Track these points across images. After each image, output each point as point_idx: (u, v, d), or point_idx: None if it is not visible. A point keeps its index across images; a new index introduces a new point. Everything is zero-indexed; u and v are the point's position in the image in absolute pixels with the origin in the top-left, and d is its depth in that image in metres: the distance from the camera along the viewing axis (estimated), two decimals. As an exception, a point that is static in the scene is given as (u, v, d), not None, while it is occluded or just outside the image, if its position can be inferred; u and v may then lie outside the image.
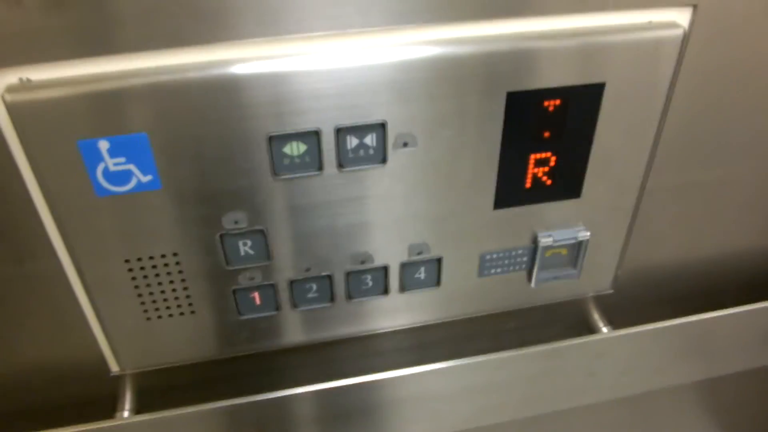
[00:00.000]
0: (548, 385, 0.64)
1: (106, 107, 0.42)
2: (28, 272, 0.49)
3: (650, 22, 0.48)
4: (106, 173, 0.45)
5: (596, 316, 0.67)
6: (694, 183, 0.59)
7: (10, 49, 0.40)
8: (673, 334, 0.64)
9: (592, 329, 0.67)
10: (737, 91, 0.53)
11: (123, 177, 0.45)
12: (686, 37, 0.49)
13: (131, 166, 0.45)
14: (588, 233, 0.57)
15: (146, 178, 0.46)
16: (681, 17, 0.48)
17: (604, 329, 0.66)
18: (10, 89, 0.41)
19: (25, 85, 0.41)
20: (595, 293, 0.64)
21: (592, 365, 0.64)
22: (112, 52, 0.41)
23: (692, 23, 0.48)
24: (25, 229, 0.47)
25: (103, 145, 0.43)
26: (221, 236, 0.50)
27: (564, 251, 0.58)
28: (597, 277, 0.62)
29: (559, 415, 0.71)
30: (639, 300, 0.67)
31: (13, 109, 0.41)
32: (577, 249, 0.58)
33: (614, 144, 0.53)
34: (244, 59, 0.43)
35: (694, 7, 0.48)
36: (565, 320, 0.67)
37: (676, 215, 0.61)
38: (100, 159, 0.44)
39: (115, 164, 0.44)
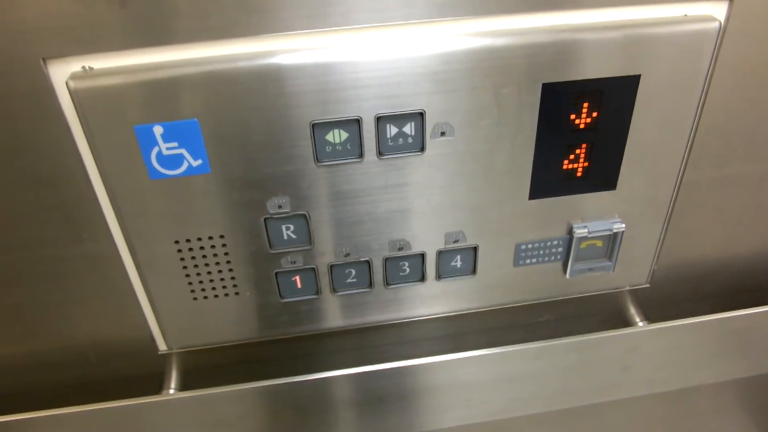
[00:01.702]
0: (582, 377, 0.65)
1: (161, 94, 0.45)
2: (85, 252, 0.52)
3: (686, 16, 0.49)
4: (160, 157, 0.47)
5: (632, 311, 0.67)
6: (732, 177, 0.59)
7: (75, 40, 0.43)
8: (710, 330, 0.64)
9: (627, 324, 0.67)
10: (775, 85, 0.53)
11: (175, 161, 0.48)
12: (722, 31, 0.49)
13: (183, 151, 0.47)
14: (623, 225, 0.57)
15: (196, 163, 0.48)
16: (717, 10, 0.49)
17: (640, 324, 0.66)
18: (74, 77, 0.44)
19: (88, 73, 0.44)
20: (631, 287, 0.65)
21: (626, 359, 0.64)
22: (168, 42, 0.44)
23: (728, 17, 0.49)
24: (84, 210, 0.50)
25: (158, 130, 0.46)
26: (265, 220, 0.52)
27: (599, 243, 0.59)
28: (633, 270, 0.63)
29: (594, 409, 0.71)
30: (676, 295, 0.67)
31: (75, 95, 0.44)
32: (613, 241, 0.59)
33: (650, 136, 0.53)
34: (291, 50, 0.45)
35: (731, 0, 0.48)
36: (601, 314, 0.67)
37: (715, 209, 0.61)
38: (155, 143, 0.47)
39: (168, 148, 0.47)
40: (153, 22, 0.43)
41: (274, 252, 0.54)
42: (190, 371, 0.62)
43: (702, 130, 0.54)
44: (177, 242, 0.52)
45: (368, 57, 0.46)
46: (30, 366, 0.60)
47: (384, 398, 0.62)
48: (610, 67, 0.49)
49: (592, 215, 0.57)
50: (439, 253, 0.57)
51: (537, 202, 0.55)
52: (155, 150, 0.47)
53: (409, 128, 0.49)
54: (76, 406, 0.57)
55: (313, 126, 0.48)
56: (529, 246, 0.58)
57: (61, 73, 0.44)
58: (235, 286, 0.56)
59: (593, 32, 0.48)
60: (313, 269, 0.56)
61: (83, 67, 0.44)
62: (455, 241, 0.56)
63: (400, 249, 0.56)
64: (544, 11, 0.47)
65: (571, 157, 0.53)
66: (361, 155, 0.50)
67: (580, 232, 0.57)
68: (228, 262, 0.54)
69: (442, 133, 0.50)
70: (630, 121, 0.52)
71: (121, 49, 0.44)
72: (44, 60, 0.43)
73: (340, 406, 0.62)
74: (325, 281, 0.57)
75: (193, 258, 0.53)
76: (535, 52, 0.48)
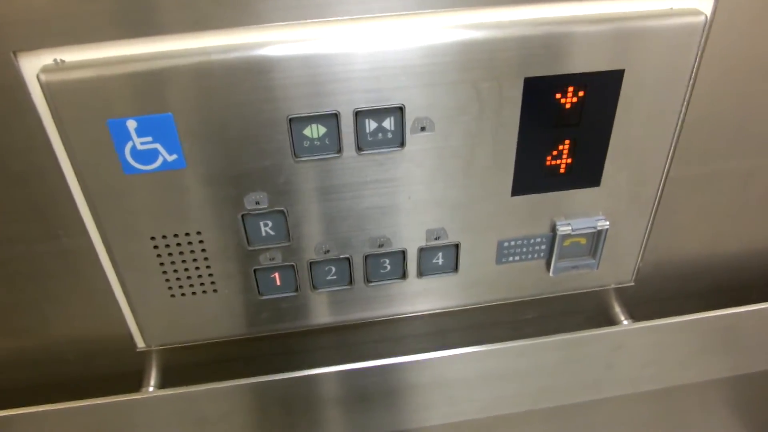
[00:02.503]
0: (566, 375, 0.64)
1: (135, 88, 0.44)
2: (60, 248, 0.52)
3: (672, 9, 0.48)
4: (134, 152, 0.46)
5: (617, 309, 0.66)
6: (718, 173, 0.58)
7: (46, 32, 0.42)
8: (695, 329, 0.63)
9: (612, 322, 0.67)
10: (762, 80, 0.52)
11: (149, 156, 0.47)
12: (708, 24, 0.48)
13: (157, 145, 0.46)
14: (607, 223, 0.57)
15: (171, 158, 0.47)
16: (703, 4, 0.48)
17: (625, 322, 0.65)
18: (45, 70, 0.43)
19: (59, 66, 0.43)
20: (615, 285, 0.64)
21: (611, 357, 0.64)
22: (142, 35, 0.43)
23: (714, 10, 0.48)
24: (58, 206, 0.49)
25: (131, 124, 0.45)
26: (243, 216, 0.51)
27: (583, 240, 0.58)
28: (618, 268, 0.62)
29: (580, 408, 0.71)
30: (661, 294, 0.66)
31: (47, 89, 0.43)
32: (597, 238, 0.58)
33: (635, 132, 0.52)
34: (268, 43, 0.44)
35: (717, -7, 0.48)
36: (585, 312, 0.67)
37: (701, 206, 0.60)
38: (128, 138, 0.46)
39: (142, 143, 0.46)
40: (127, 14, 0.42)
41: (252, 249, 0.53)
42: (169, 369, 0.61)
43: (688, 125, 0.54)
44: (153, 238, 0.51)
45: (347, 50, 0.45)
46: (8, 364, 0.59)
47: (367, 396, 0.62)
48: (594, 61, 0.48)
49: (576, 212, 0.57)
50: (421, 251, 0.56)
51: (519, 199, 0.55)
52: (129, 145, 0.46)
53: (388, 123, 0.49)
54: (54, 404, 0.56)
55: (291, 120, 0.47)
56: (512, 243, 0.57)
57: (33, 66, 0.43)
58: (213, 283, 0.55)
59: (576, 25, 0.47)
60: (293, 266, 0.55)
61: (55, 60, 0.43)
62: (437, 238, 0.56)
63: (381, 246, 0.55)
64: (526, 4, 0.46)
65: (554, 153, 0.52)
66: (339, 150, 0.49)
67: (563, 229, 0.56)
68: (206, 258, 0.53)
69: (423, 128, 0.49)
70: (614, 117, 0.51)
71: (93, 41, 0.43)
72: (15, 53, 0.42)
73: (322, 404, 0.61)
74: (304, 278, 0.56)
75: (170, 254, 0.52)
76: (518, 45, 0.47)
